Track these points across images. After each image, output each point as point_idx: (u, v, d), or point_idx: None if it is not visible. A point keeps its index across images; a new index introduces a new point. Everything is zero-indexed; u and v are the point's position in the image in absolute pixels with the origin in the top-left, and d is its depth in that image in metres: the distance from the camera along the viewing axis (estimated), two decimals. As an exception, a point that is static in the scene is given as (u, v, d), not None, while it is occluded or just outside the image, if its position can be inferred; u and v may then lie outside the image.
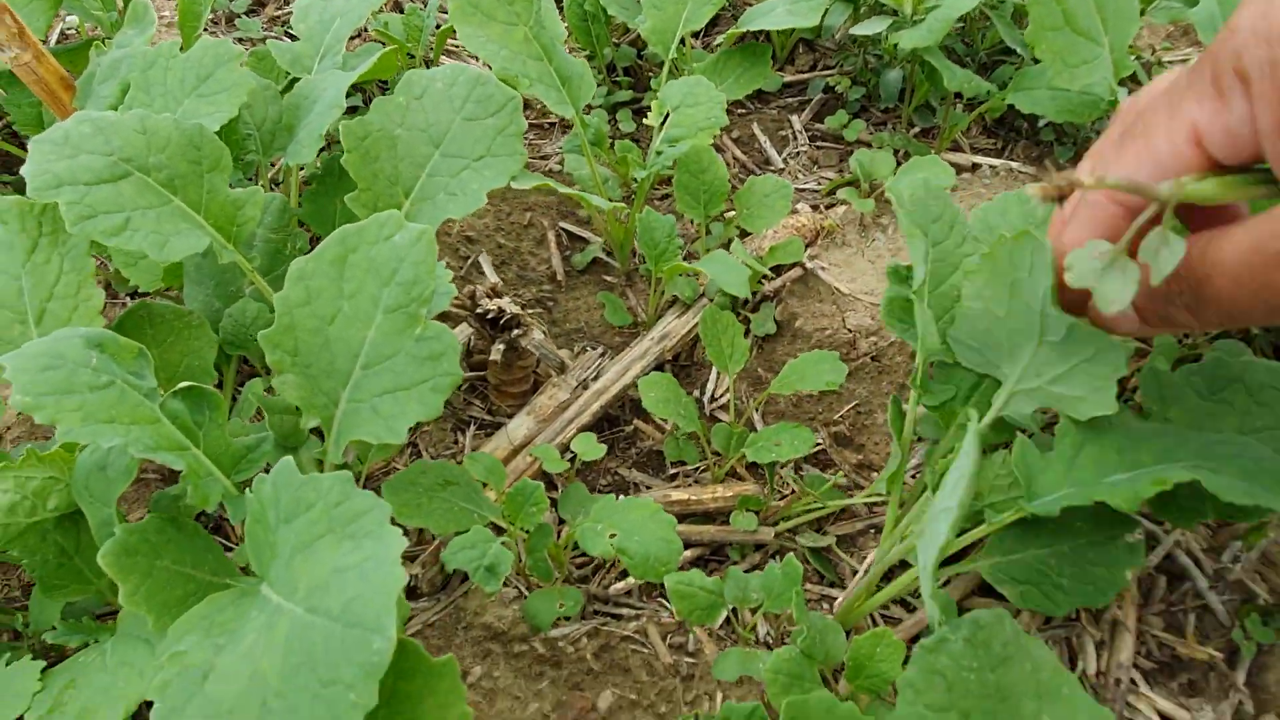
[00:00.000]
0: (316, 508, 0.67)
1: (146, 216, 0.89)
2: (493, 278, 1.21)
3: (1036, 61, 1.34)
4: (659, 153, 1.25)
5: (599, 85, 1.65)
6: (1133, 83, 1.58)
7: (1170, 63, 1.65)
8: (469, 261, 1.39)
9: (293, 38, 1.76)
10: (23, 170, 0.85)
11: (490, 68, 1.19)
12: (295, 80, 1.29)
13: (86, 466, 0.79)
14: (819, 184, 1.51)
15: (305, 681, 0.60)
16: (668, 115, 1.27)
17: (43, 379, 0.72)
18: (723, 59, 1.53)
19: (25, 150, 1.46)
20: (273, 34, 1.79)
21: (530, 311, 1.21)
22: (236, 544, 1.10)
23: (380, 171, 1.07)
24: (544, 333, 1.20)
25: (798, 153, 1.57)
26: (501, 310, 1.06)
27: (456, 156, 1.07)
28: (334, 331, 0.88)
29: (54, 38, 1.79)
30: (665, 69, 1.43)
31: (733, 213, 1.36)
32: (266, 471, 1.00)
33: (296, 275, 0.87)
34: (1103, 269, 0.59)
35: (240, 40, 1.75)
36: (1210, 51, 0.55)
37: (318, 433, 1.10)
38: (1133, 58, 1.48)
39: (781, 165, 1.55)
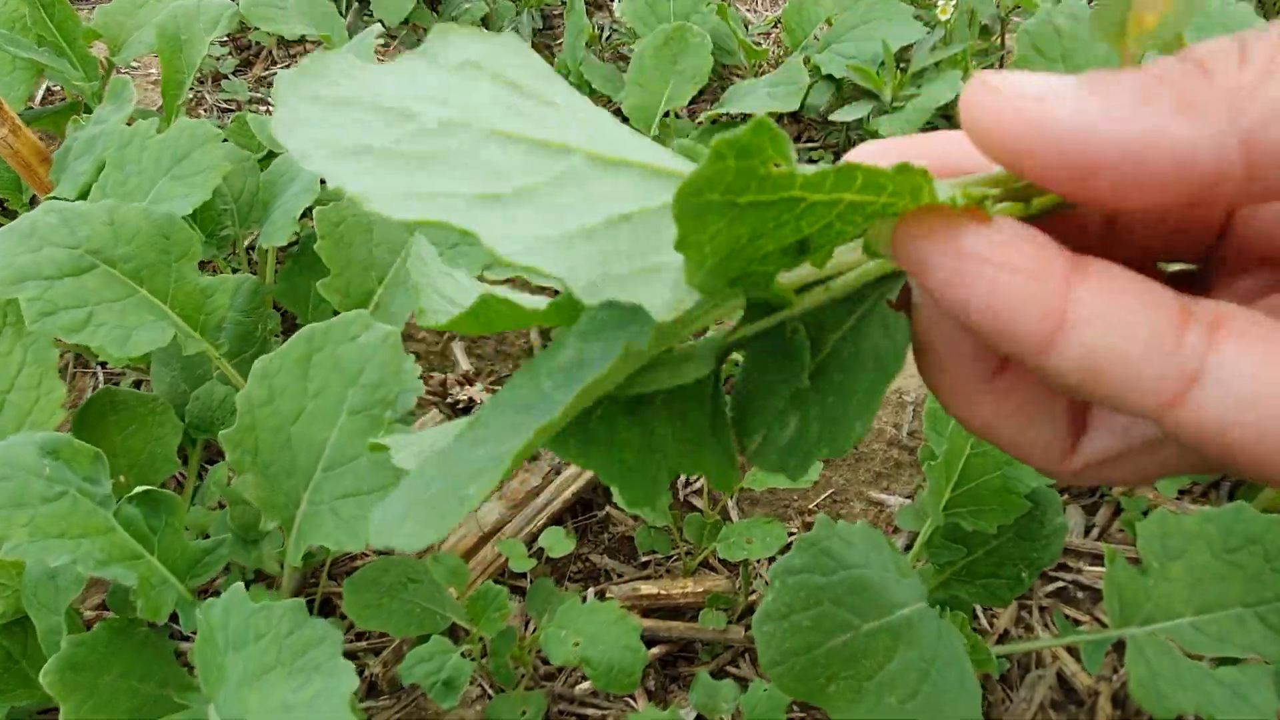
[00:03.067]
0: (267, 638, 0.66)
1: (111, 310, 0.88)
2: (465, 365, 1.20)
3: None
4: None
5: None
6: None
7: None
8: (445, 336, 1.38)
9: (278, 99, 1.76)
10: (-14, 263, 0.84)
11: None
12: (274, 155, 1.29)
13: (36, 575, 0.77)
14: (799, 261, 1.52)
15: (245, 827, 0.58)
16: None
17: (-9, 492, 0.70)
18: (705, 136, 1.53)
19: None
20: (259, 94, 1.80)
21: (505, 391, 1.21)
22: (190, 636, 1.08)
23: (354, 258, 1.06)
24: (517, 418, 1.19)
25: (779, 228, 1.58)
26: (472, 400, 1.05)
27: (433, 243, 1.06)
28: (296, 431, 0.87)
29: (39, 93, 1.78)
30: (647, 146, 1.44)
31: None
32: (228, 570, 0.98)
33: (260, 374, 0.86)
34: None
35: (226, 102, 1.76)
36: None
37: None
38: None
39: (762, 241, 1.56)
